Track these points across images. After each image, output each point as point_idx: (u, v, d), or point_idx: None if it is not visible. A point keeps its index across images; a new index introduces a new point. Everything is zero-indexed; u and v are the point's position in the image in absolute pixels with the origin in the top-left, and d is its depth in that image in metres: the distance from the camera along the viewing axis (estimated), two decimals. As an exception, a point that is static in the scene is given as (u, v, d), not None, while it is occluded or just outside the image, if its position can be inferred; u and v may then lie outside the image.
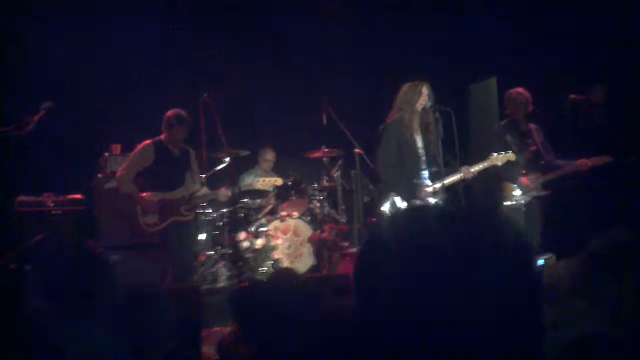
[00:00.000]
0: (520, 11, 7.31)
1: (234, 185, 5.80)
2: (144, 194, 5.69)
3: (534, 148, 6.08)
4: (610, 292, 1.66)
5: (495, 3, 7.67)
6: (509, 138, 6.06)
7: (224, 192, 5.93)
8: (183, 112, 5.73)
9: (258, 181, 6.27)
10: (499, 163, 5.47)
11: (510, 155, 5.51)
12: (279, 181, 6.41)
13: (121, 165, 5.96)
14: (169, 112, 5.73)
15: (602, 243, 1.77)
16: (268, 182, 6.29)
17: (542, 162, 6.08)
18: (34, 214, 5.86)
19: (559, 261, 2.59)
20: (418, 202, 5.28)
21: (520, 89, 6.09)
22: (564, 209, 6.27)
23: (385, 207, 5.34)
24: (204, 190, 6.02)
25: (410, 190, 5.27)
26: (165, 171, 5.74)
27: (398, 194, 5.30)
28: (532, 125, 6.18)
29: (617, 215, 5.72)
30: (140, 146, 5.79)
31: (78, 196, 6.12)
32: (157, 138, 5.80)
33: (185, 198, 5.79)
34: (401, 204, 5.29)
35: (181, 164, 5.88)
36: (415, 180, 5.31)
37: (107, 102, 6.98)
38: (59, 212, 5.97)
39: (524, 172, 6.03)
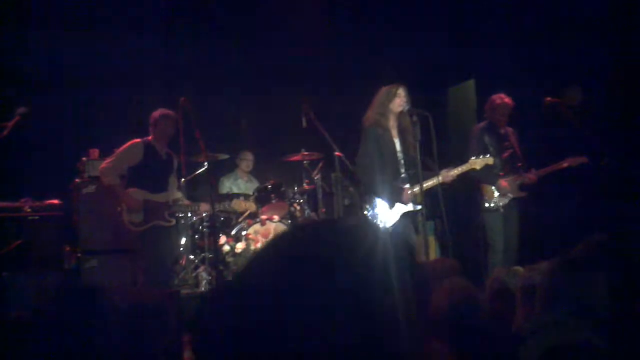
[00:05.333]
0: (499, 13, 7.39)
1: (213, 190, 5.80)
2: (128, 190, 5.67)
3: (510, 151, 6.17)
4: (590, 297, 1.67)
5: (474, 5, 7.74)
6: (487, 140, 6.15)
7: (205, 207, 5.95)
8: (168, 110, 5.79)
9: (233, 202, 6.24)
10: (478, 167, 5.54)
11: (488, 159, 5.59)
12: (252, 207, 6.40)
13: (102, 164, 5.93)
14: (155, 112, 5.79)
15: (583, 248, 1.80)
16: (244, 205, 6.27)
17: (519, 165, 6.17)
18: (11, 220, 5.79)
19: (536, 266, 2.62)
20: (401, 205, 5.32)
21: (505, 98, 6.16)
22: (539, 211, 6.36)
23: (366, 210, 5.38)
24: (185, 200, 6.02)
25: (393, 193, 5.30)
26: (151, 171, 5.75)
27: (381, 198, 5.33)
28: (509, 128, 6.28)
29: (594, 217, 5.80)
30: (129, 143, 5.77)
31: (56, 201, 6.05)
32: (145, 138, 5.81)
33: (169, 204, 5.78)
34: (384, 207, 5.31)
35: (167, 166, 5.91)
36: (396, 183, 5.35)
37: (84, 106, 6.93)
38: (37, 217, 5.90)
39: (502, 174, 6.11)
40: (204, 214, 6.63)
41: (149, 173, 5.74)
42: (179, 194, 5.96)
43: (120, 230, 5.91)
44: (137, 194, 5.67)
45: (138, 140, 5.77)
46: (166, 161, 5.90)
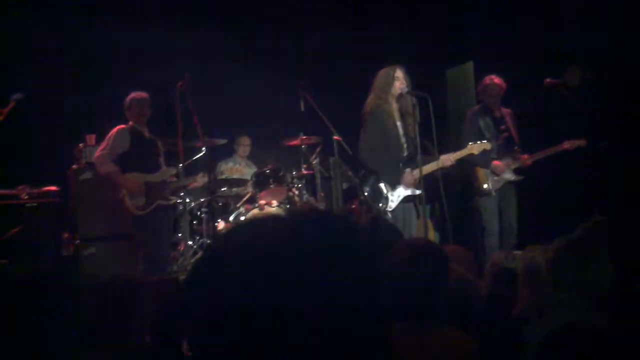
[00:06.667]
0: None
1: (211, 175, 5.81)
2: (128, 174, 5.70)
3: (506, 134, 6.15)
4: (593, 279, 1.66)
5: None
6: (482, 123, 6.13)
7: (202, 178, 6.01)
8: (140, 92, 5.84)
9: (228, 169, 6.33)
10: (475, 152, 5.54)
11: (486, 144, 5.60)
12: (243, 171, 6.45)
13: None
14: (127, 96, 5.86)
15: (582, 230, 1.79)
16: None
17: (515, 148, 6.15)
18: (9, 207, 5.77)
19: (536, 248, 2.61)
20: (403, 188, 5.30)
21: (495, 79, 6.12)
22: (537, 195, 6.35)
23: (367, 193, 5.36)
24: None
25: (395, 175, 5.28)
26: (143, 153, 5.82)
27: (384, 180, 5.30)
28: (506, 110, 6.25)
29: (592, 199, 5.79)
30: (115, 130, 5.79)
31: (53, 188, 6.04)
32: (127, 124, 5.85)
33: (167, 182, 5.87)
34: (386, 188, 5.29)
35: (154, 147, 5.98)
36: (398, 166, 5.33)
37: (80, 91, 6.87)
38: (34, 204, 5.89)
39: (496, 157, 6.10)
40: (203, 200, 6.61)
41: (141, 155, 5.80)
42: (173, 170, 6.03)
43: (119, 216, 5.91)
44: (135, 178, 5.71)
45: (123, 125, 5.82)
46: (152, 142, 5.97)
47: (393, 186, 5.29)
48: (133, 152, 5.75)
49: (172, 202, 5.98)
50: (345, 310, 0.81)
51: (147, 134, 5.94)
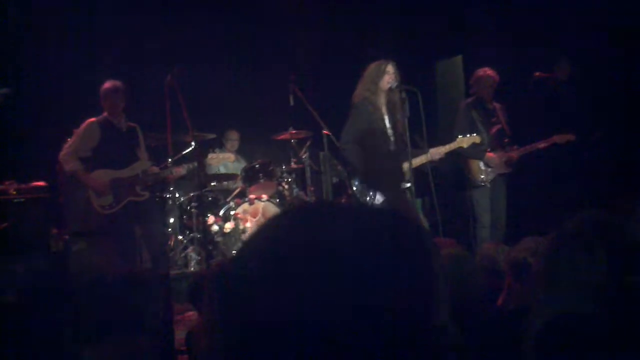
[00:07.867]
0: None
1: (201, 169, 5.75)
2: (93, 173, 5.53)
3: (498, 126, 6.18)
4: (589, 271, 1.67)
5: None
6: (475, 115, 6.15)
7: (179, 170, 5.85)
8: (116, 82, 5.62)
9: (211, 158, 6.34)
10: (465, 145, 5.57)
11: (476, 138, 5.62)
12: (231, 157, 6.57)
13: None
14: (103, 85, 5.64)
15: (575, 222, 1.80)
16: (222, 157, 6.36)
17: (507, 140, 6.19)
18: (-3, 203, 5.72)
19: (528, 241, 2.62)
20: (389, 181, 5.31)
21: (489, 71, 6.15)
22: (528, 187, 6.39)
23: (355, 187, 5.36)
24: (155, 169, 5.92)
25: (369, 172, 5.27)
26: (114, 148, 5.60)
27: (358, 174, 5.30)
28: (497, 104, 6.28)
29: (581, 192, 5.83)
30: (83, 125, 5.62)
31: (41, 183, 5.98)
32: (101, 116, 5.67)
33: (140, 177, 5.65)
34: (371, 183, 5.30)
35: (129, 139, 5.76)
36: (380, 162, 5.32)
37: (68, 86, 6.82)
38: (22, 199, 5.83)
39: (489, 150, 6.13)
40: (192, 194, 6.58)
41: (111, 150, 5.59)
42: (147, 164, 5.83)
43: (94, 214, 5.80)
44: (102, 175, 5.53)
45: (93, 119, 5.63)
46: (128, 134, 5.74)
47: (367, 182, 5.29)
48: (103, 147, 5.56)
49: (143, 197, 5.68)
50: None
51: (123, 125, 5.72)
